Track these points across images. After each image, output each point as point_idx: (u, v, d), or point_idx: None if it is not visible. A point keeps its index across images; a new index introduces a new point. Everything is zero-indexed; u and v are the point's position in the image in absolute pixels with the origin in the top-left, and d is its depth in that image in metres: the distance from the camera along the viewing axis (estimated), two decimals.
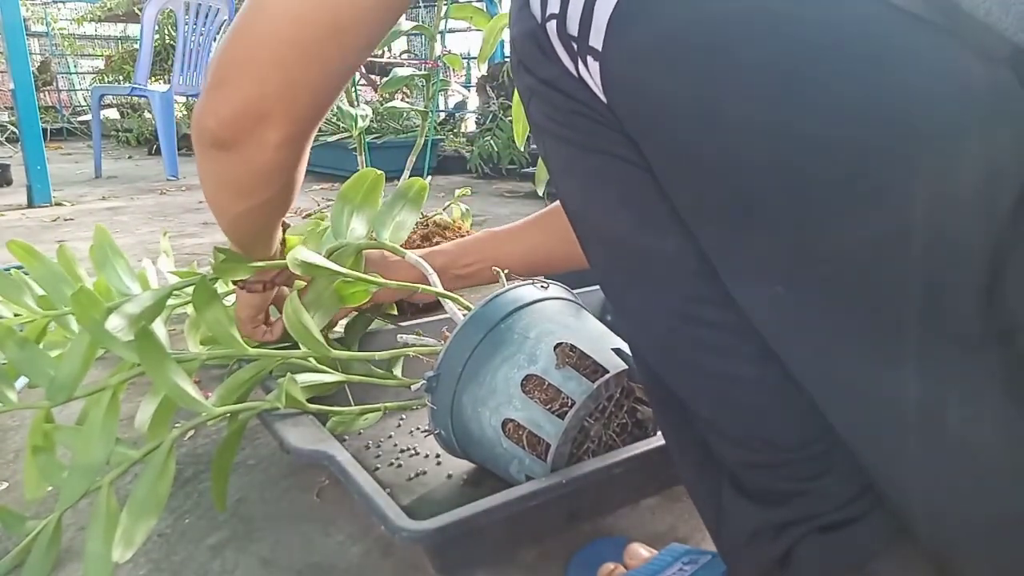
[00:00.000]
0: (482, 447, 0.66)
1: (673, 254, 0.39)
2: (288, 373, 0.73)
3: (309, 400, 0.74)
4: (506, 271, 0.80)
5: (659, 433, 0.69)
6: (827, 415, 0.37)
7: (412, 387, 0.74)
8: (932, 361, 0.33)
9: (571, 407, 0.62)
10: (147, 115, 5.06)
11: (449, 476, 0.76)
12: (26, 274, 0.78)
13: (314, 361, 0.78)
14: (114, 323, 0.63)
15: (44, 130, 2.85)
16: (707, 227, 0.37)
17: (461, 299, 0.80)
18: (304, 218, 2.16)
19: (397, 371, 0.87)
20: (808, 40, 0.32)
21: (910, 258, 0.31)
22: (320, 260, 0.75)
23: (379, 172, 0.85)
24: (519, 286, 0.71)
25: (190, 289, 0.74)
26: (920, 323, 0.32)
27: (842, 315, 0.34)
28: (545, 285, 0.72)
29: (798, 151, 0.32)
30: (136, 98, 4.80)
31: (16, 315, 0.78)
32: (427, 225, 1.32)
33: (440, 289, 0.81)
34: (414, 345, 0.80)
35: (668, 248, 0.39)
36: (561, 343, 0.64)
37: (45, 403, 0.65)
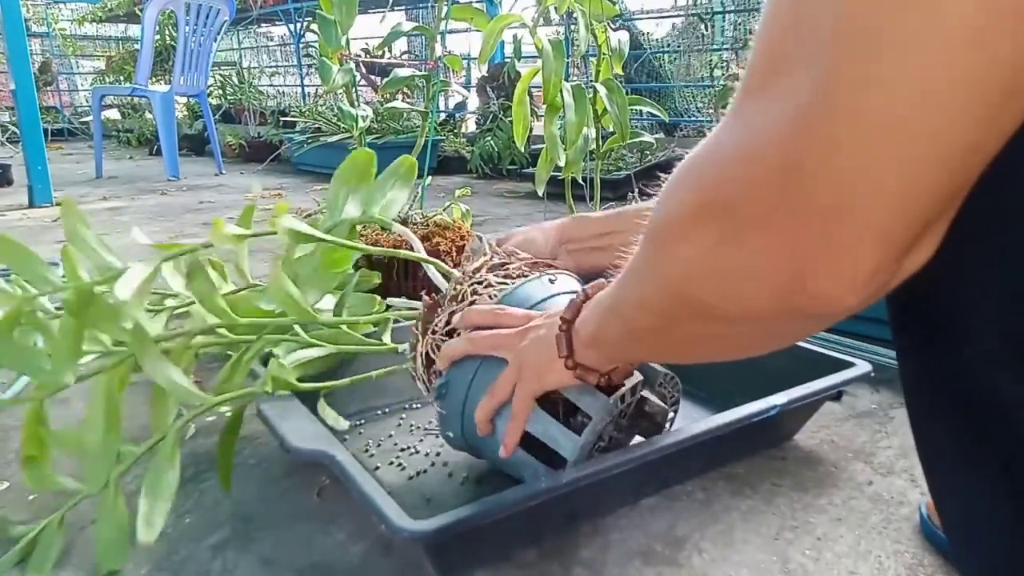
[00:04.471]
0: (496, 453, 0.66)
1: None
2: (274, 357, 0.74)
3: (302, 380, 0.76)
4: (490, 239, 0.78)
5: (668, 426, 0.68)
6: None
7: (399, 349, 0.75)
8: None
9: (587, 421, 0.60)
10: (148, 115, 5.07)
11: (450, 475, 0.76)
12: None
13: (304, 334, 0.80)
14: (120, 288, 0.63)
15: (45, 130, 2.85)
16: None
17: (443, 264, 0.80)
18: (304, 218, 2.16)
19: (386, 338, 0.88)
20: None
21: None
22: (305, 228, 0.77)
23: (371, 151, 0.87)
24: (526, 282, 0.69)
25: (192, 293, 0.75)
26: None
27: None
28: (553, 278, 0.70)
29: None
30: (137, 98, 4.81)
31: None
32: (427, 225, 1.32)
33: (423, 255, 0.81)
34: (400, 310, 0.82)
35: None
36: None
37: (38, 394, 0.66)
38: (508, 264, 0.72)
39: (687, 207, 0.33)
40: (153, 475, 0.62)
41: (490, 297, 0.68)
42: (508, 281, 0.70)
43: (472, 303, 0.68)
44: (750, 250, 0.30)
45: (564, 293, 0.69)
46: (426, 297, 0.72)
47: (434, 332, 0.69)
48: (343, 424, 0.79)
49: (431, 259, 0.80)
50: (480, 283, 0.70)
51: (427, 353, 0.69)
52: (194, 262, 0.70)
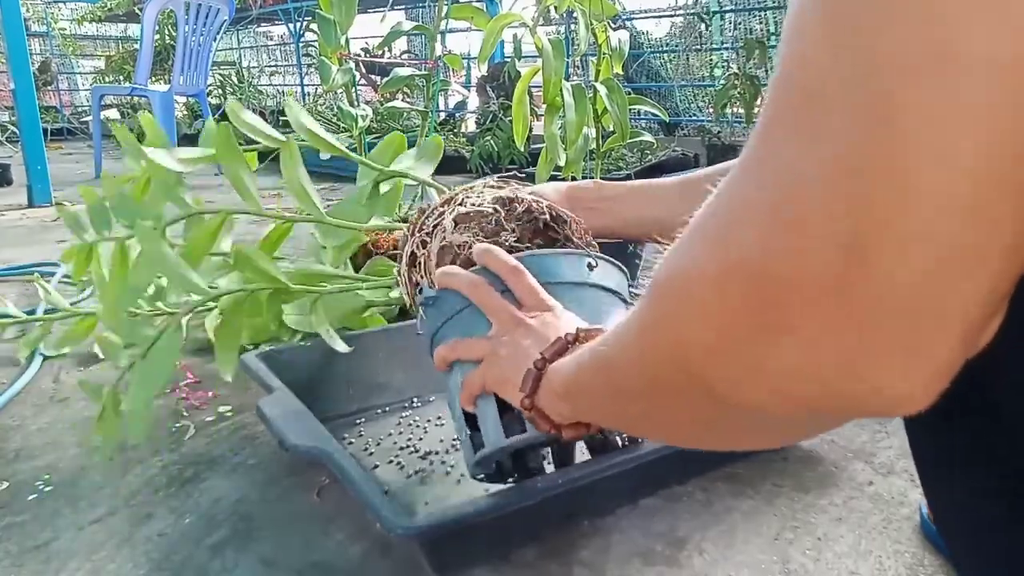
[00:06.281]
0: (448, 396, 0.64)
1: None
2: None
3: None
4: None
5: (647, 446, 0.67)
6: None
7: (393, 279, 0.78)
8: None
9: (522, 432, 0.57)
10: (147, 115, 5.06)
11: (447, 473, 0.76)
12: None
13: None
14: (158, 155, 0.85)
15: (44, 130, 2.85)
16: None
17: (438, 184, 0.86)
18: None
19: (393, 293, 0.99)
20: None
21: None
22: (317, 128, 0.91)
23: (402, 135, 0.96)
24: (561, 253, 0.63)
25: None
26: None
27: None
28: (594, 263, 0.62)
29: None
30: (136, 98, 4.80)
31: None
32: None
33: (427, 179, 0.92)
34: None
35: None
36: None
37: (125, 232, 0.90)
38: (503, 188, 0.70)
39: (706, 265, 0.25)
40: (153, 354, 0.74)
41: (477, 195, 0.68)
42: (496, 191, 0.69)
43: (462, 203, 0.67)
44: (795, 341, 0.22)
45: (593, 286, 0.62)
46: (420, 205, 0.73)
47: (421, 230, 0.68)
48: (344, 347, 0.85)
49: (432, 183, 0.88)
50: (472, 191, 0.69)
51: (412, 252, 0.68)
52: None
